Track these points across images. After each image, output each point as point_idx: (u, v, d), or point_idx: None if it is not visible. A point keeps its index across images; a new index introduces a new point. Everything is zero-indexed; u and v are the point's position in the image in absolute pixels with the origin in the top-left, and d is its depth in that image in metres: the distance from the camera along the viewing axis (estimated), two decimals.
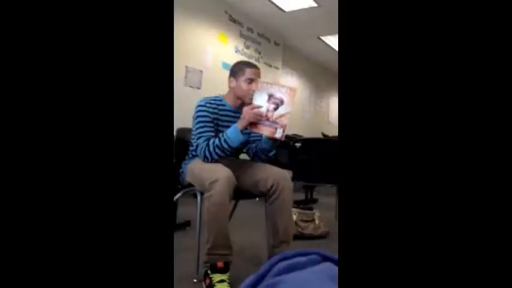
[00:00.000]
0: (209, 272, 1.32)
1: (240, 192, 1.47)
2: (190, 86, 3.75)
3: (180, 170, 1.62)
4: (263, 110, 1.35)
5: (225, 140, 1.40)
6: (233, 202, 1.76)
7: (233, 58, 4.29)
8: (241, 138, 1.41)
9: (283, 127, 1.34)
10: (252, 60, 4.69)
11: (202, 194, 1.37)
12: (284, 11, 4.27)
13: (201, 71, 3.88)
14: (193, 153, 1.56)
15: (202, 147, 1.44)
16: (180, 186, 1.63)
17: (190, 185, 1.51)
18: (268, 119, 1.35)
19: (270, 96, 1.35)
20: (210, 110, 1.49)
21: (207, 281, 1.31)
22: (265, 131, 1.37)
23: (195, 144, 1.49)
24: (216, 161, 1.44)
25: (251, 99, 1.40)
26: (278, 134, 1.35)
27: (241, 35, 4.53)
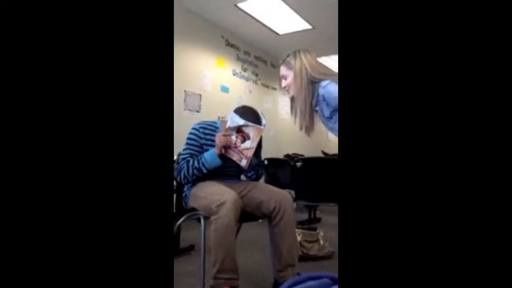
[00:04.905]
0: None
1: (243, 215, 1.47)
2: (189, 110, 3.78)
3: (184, 194, 1.62)
4: (233, 138, 1.52)
5: (203, 163, 1.49)
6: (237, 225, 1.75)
7: (231, 81, 4.36)
8: (217, 161, 1.50)
9: (247, 158, 1.53)
10: (250, 82, 4.76)
11: (206, 218, 1.36)
12: (279, 34, 4.37)
13: (200, 95, 3.93)
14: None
15: (182, 168, 1.51)
16: (183, 210, 1.62)
17: (193, 208, 1.51)
18: (236, 147, 1.52)
19: (239, 130, 1.53)
20: (202, 135, 1.55)
21: None
22: (233, 156, 1.54)
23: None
24: (220, 184, 1.46)
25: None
26: (242, 163, 1.53)
27: (239, 59, 4.61)
